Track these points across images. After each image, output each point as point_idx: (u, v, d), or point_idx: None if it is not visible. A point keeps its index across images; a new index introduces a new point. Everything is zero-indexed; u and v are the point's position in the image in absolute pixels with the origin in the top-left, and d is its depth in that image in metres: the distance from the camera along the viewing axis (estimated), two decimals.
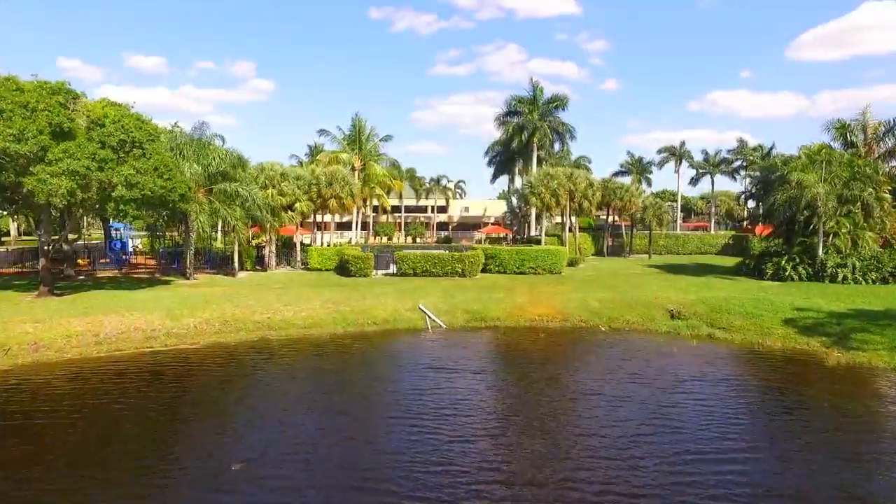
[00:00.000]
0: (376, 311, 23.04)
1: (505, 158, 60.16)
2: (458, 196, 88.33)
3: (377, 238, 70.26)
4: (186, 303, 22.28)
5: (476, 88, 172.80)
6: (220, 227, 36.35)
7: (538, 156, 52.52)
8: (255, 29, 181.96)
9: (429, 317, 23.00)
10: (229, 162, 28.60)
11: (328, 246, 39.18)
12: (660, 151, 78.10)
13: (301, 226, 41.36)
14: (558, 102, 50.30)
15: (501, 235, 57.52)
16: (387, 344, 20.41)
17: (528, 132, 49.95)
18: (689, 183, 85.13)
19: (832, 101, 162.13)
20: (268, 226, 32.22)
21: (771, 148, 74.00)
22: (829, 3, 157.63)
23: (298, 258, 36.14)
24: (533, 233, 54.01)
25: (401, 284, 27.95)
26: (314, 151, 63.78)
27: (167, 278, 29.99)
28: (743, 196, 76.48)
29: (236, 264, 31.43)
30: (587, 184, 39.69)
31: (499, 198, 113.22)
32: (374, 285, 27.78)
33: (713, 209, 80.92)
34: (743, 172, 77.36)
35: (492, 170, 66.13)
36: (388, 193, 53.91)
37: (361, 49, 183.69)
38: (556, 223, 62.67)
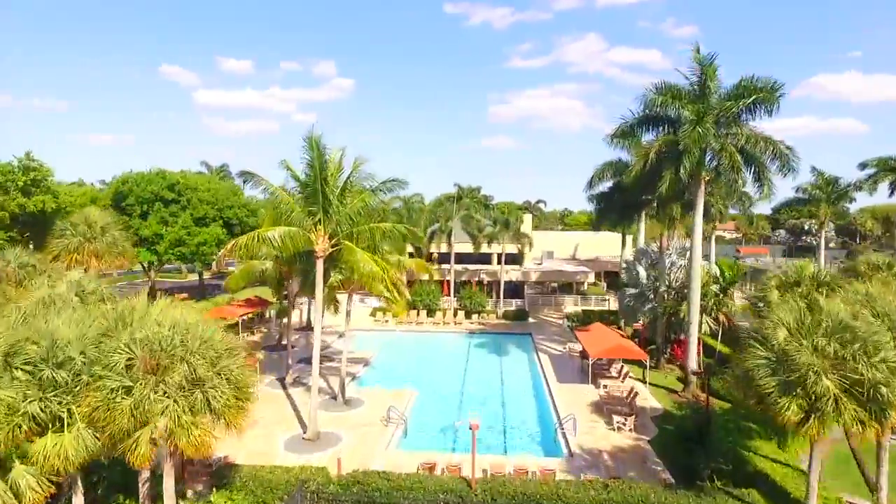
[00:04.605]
0: None
1: (626, 200, 33.91)
2: (533, 214, 60.47)
3: (412, 311, 46.01)
4: None
5: (553, 81, 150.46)
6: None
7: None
8: (334, 28, 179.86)
9: None
10: None
11: None
12: (863, 166, 48.26)
13: None
14: (759, 96, 23.52)
15: (636, 364, 30.05)
16: None
17: (691, 160, 23.69)
18: None
19: None
20: None
21: None
22: None
23: None
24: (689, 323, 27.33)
25: None
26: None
27: None
28: None
29: None
30: None
31: (589, 223, 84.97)
32: None
33: None
34: None
35: (594, 207, 40.54)
36: (405, 277, 29.22)
37: (436, 45, 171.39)
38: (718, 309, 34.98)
